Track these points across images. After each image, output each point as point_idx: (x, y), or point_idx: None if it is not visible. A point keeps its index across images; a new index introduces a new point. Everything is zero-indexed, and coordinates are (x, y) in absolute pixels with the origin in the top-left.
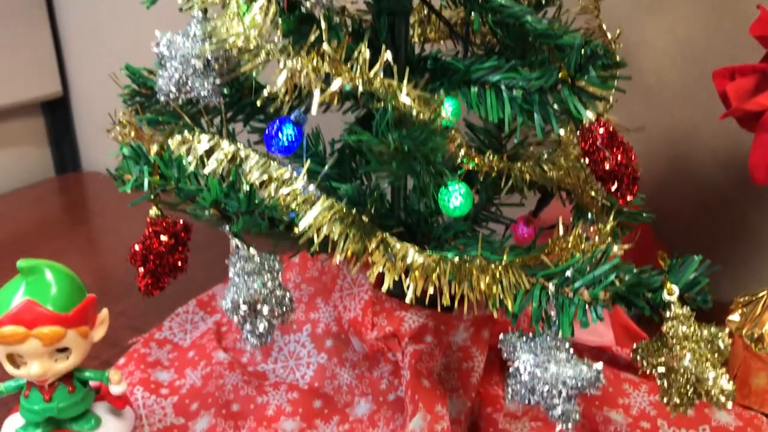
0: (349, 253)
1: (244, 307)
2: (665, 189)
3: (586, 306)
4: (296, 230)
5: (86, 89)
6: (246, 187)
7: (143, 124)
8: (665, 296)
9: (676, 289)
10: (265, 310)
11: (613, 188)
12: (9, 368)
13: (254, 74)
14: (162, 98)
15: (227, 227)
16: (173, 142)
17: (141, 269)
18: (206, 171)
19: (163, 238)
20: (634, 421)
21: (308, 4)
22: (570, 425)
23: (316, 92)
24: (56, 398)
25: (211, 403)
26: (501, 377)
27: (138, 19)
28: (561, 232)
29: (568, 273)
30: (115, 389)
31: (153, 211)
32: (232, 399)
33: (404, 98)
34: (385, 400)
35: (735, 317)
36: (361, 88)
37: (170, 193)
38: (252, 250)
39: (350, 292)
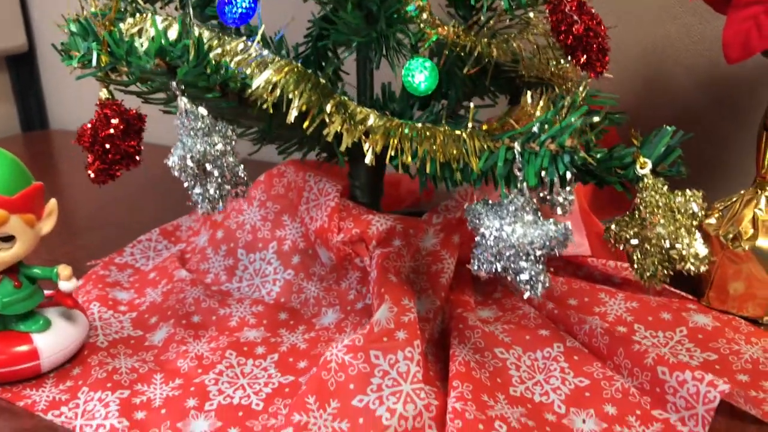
0: (303, 107)
1: (191, 164)
2: (641, 105)
3: (553, 158)
4: (249, 91)
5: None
6: (194, 40)
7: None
8: (638, 170)
9: (648, 162)
10: (216, 172)
11: (583, 59)
12: None
13: None
14: None
15: (173, 83)
16: (125, 25)
17: (90, 155)
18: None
19: (114, 121)
20: (610, 325)
21: None
22: (538, 290)
23: None
24: (1, 292)
25: (171, 315)
26: (472, 289)
27: None
28: (528, 103)
29: (535, 128)
30: (65, 285)
31: (103, 94)
32: (192, 311)
33: None
34: (353, 309)
35: (711, 221)
36: None
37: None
38: (201, 110)
39: (317, 203)
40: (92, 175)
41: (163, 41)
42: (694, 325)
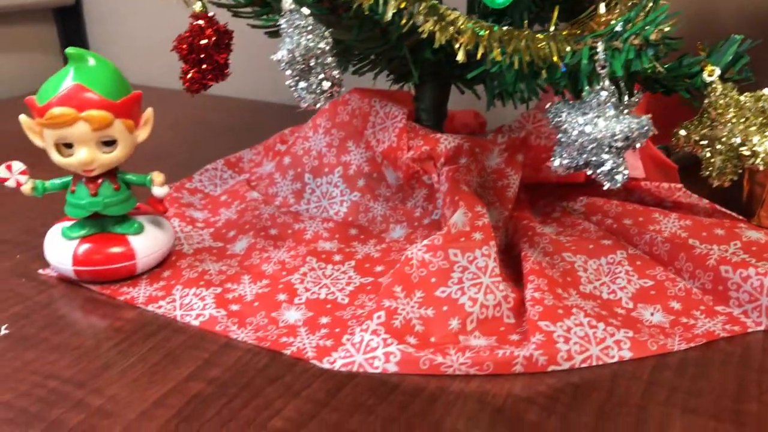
0: (402, 5)
1: (298, 57)
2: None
3: (638, 51)
4: None
5: None
6: None
7: None
8: (705, 77)
9: (717, 69)
10: (319, 68)
11: None
12: (56, 156)
13: None
14: None
15: None
16: None
17: (186, 65)
18: None
19: (208, 32)
20: (666, 239)
21: None
22: (618, 181)
23: None
24: (102, 193)
25: (249, 228)
26: (530, 210)
27: None
28: (602, 10)
29: (618, 27)
30: (158, 190)
31: (197, 6)
32: (269, 225)
33: None
34: (420, 224)
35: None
36: None
37: None
38: (305, 9)
39: (383, 126)
40: (186, 84)
41: None
42: (747, 239)
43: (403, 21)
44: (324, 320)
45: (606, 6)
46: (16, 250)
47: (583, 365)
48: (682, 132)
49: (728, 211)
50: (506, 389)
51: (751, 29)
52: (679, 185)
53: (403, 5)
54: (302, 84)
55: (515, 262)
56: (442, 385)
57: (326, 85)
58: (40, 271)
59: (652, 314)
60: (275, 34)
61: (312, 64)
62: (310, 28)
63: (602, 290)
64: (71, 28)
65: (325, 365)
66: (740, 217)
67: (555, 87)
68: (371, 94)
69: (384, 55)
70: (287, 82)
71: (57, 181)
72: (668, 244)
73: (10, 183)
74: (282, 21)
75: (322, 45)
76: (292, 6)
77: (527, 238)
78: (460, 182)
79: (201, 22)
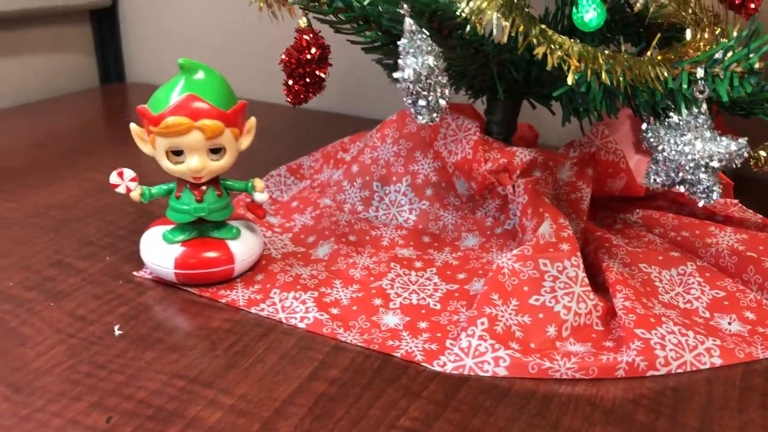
0: (520, 28)
1: (423, 78)
2: None
3: (741, 78)
4: (460, 18)
5: (135, 0)
6: None
7: None
8: None
9: None
10: (438, 88)
11: (738, 1)
12: (166, 163)
13: None
14: None
15: (405, 6)
16: None
17: (290, 81)
18: None
19: (313, 49)
20: (732, 251)
21: None
22: (713, 198)
23: None
24: (206, 200)
25: (329, 234)
26: (594, 222)
27: None
28: (689, 37)
29: (718, 55)
30: (260, 196)
31: (302, 21)
32: (347, 232)
33: None
34: (492, 233)
35: None
36: None
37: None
38: (425, 30)
39: (455, 138)
40: (291, 97)
41: None
42: None
43: (520, 44)
44: (423, 325)
45: (692, 34)
46: (104, 252)
47: (679, 371)
48: (763, 153)
49: None
50: (612, 392)
51: None
52: (735, 200)
53: (521, 29)
54: (422, 102)
55: (591, 272)
56: (551, 388)
57: (442, 102)
58: (135, 273)
59: (729, 323)
60: (371, 49)
61: (432, 82)
62: (430, 48)
63: (678, 300)
64: (106, 29)
65: (436, 368)
66: None
67: (650, 108)
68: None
69: (473, 71)
70: (405, 100)
71: (163, 187)
72: (736, 257)
73: (121, 189)
74: (403, 41)
75: (441, 64)
76: (414, 27)
77: (605, 249)
78: (540, 194)
79: (307, 37)
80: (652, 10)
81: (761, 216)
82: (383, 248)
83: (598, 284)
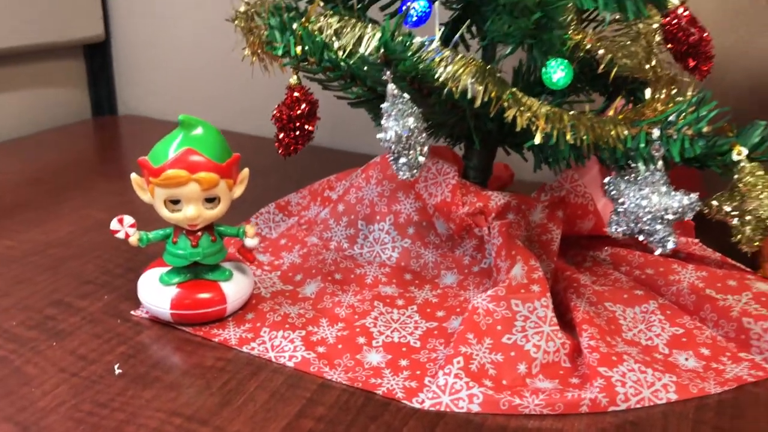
0: (492, 94)
1: (403, 139)
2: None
3: (691, 141)
4: (437, 82)
5: (127, 35)
6: (405, 39)
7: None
8: (734, 157)
9: (744, 149)
10: (418, 146)
11: (693, 64)
12: (165, 212)
13: None
14: None
15: (388, 72)
16: (321, 23)
17: (281, 134)
18: (338, 45)
19: (303, 105)
20: (690, 290)
21: None
22: (668, 247)
23: None
24: (201, 245)
25: (315, 273)
26: (564, 260)
27: None
28: (648, 96)
29: (672, 117)
30: (250, 242)
31: (293, 79)
32: (334, 270)
33: None
34: (470, 272)
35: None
36: None
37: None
38: (405, 95)
39: (435, 181)
40: (281, 150)
41: (386, 36)
42: (757, 290)
43: (492, 108)
44: (403, 363)
45: (651, 94)
46: (102, 291)
47: (638, 406)
48: (714, 203)
49: (738, 264)
50: (576, 427)
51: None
52: (696, 240)
53: (493, 95)
54: (402, 159)
55: (560, 310)
56: (521, 423)
57: (421, 159)
58: (132, 312)
59: (686, 359)
60: (357, 104)
61: (413, 141)
62: (410, 111)
63: (641, 337)
64: (99, 64)
65: (415, 405)
66: (748, 269)
67: (611, 163)
68: None
69: (451, 123)
70: (389, 158)
71: (159, 232)
72: (694, 295)
73: (120, 235)
74: (386, 105)
75: (420, 125)
76: (396, 92)
77: (573, 288)
78: (513, 237)
79: (297, 94)
80: (615, 69)
81: (720, 254)
82: (367, 286)
83: (567, 322)
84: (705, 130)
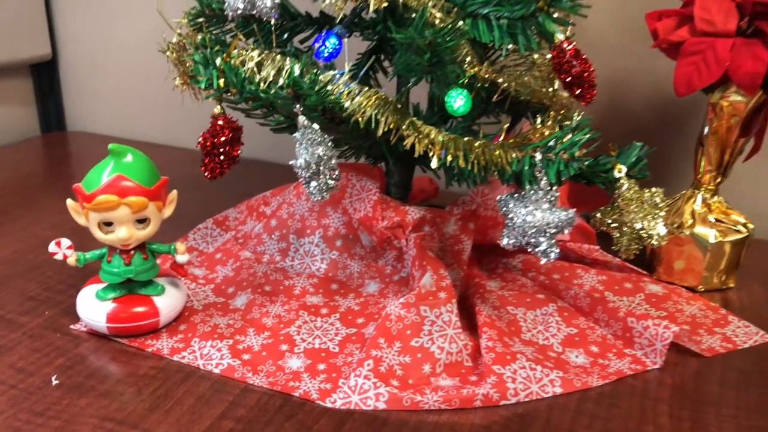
0: (391, 125)
1: (313, 166)
2: (604, 121)
3: (566, 164)
4: (345, 113)
5: (74, 52)
6: (312, 78)
7: (193, 42)
8: (615, 174)
9: (623, 167)
10: (327, 171)
11: (577, 92)
12: (99, 234)
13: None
14: (229, 14)
15: (297, 105)
16: (241, 56)
17: (206, 159)
18: (258, 78)
19: (226, 131)
20: (587, 292)
21: None
22: (551, 257)
23: (371, 2)
24: (134, 263)
25: (246, 285)
26: (479, 267)
27: None
28: (538, 124)
29: (551, 143)
30: (181, 258)
31: (217, 109)
32: (264, 282)
33: (433, 10)
34: (391, 280)
35: (661, 213)
36: (401, 0)
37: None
38: (315, 125)
39: (359, 197)
40: (207, 174)
41: (294, 76)
42: (649, 292)
43: (392, 137)
44: (321, 366)
45: (540, 120)
46: (44, 307)
47: (526, 399)
48: (598, 215)
49: (635, 268)
50: (470, 420)
51: (653, 113)
52: (597, 246)
53: (393, 125)
54: (313, 183)
55: (469, 314)
56: (421, 418)
57: (331, 183)
58: (72, 326)
59: (576, 356)
60: (278, 131)
61: (322, 167)
62: (320, 140)
63: (539, 337)
64: (47, 82)
65: (328, 404)
66: (644, 272)
67: (504, 182)
68: (348, 169)
69: (366, 147)
70: (301, 182)
71: (96, 253)
72: (588, 298)
73: (59, 256)
74: (297, 134)
75: (329, 153)
76: (306, 123)
77: (479, 294)
78: (425, 248)
79: (221, 122)
80: (514, 93)
81: (620, 259)
82: (295, 296)
83: (474, 325)
84: (577, 155)
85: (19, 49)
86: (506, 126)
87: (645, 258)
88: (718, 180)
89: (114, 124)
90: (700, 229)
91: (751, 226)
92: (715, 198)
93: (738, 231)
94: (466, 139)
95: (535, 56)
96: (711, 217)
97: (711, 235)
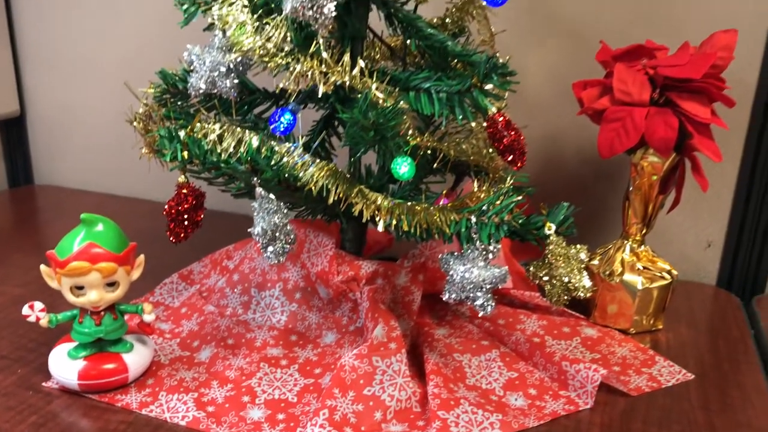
0: (340, 194)
1: (269, 233)
2: (542, 176)
3: (497, 227)
4: (299, 183)
5: (42, 108)
6: (269, 152)
7: (158, 117)
8: (546, 231)
9: (552, 225)
10: (282, 237)
11: (509, 159)
12: (71, 297)
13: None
14: (192, 93)
15: (255, 179)
16: (203, 130)
17: (172, 224)
18: (220, 149)
19: (190, 199)
20: (528, 337)
21: (315, 27)
22: (488, 311)
23: (321, 86)
24: (104, 323)
25: (210, 339)
26: (430, 315)
27: (93, 45)
28: (476, 188)
29: (484, 207)
30: (148, 317)
31: (181, 178)
32: (227, 336)
33: (375, 91)
34: (347, 331)
35: (595, 262)
36: (348, 83)
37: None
38: (272, 195)
39: (316, 252)
40: (173, 238)
41: (252, 153)
42: (585, 335)
43: (342, 204)
44: (280, 416)
45: (477, 184)
46: (16, 365)
47: None
48: (532, 269)
49: (573, 312)
50: None
51: (589, 168)
52: (537, 293)
53: (342, 195)
54: (270, 248)
55: (418, 361)
56: None
57: (287, 247)
58: (44, 384)
59: (516, 399)
60: (239, 196)
61: (278, 234)
62: (275, 209)
63: (482, 382)
64: (15, 137)
65: None
66: (582, 317)
67: (444, 241)
68: (305, 225)
69: (322, 208)
70: (259, 246)
71: (67, 314)
72: (528, 343)
73: (32, 318)
74: (254, 204)
75: (284, 221)
76: (263, 194)
77: (428, 343)
78: (378, 301)
79: (185, 191)
80: (454, 158)
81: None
82: (256, 349)
83: (423, 372)
84: (506, 219)
85: None
86: (445, 192)
87: (582, 302)
88: (644, 231)
89: (80, 177)
90: (629, 277)
91: (675, 272)
92: (642, 247)
93: (663, 277)
94: (409, 204)
95: (473, 124)
96: (639, 265)
97: (639, 281)
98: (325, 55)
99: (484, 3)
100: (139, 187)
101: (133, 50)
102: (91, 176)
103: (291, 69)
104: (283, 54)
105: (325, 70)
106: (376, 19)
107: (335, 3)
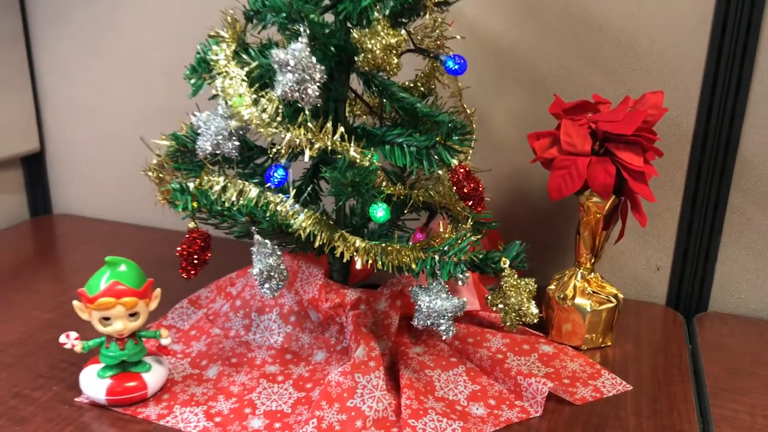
0: (324, 239)
1: (265, 273)
2: (511, 209)
3: (455, 265)
4: (290, 230)
5: (60, 145)
6: (265, 206)
7: (170, 170)
8: (501, 265)
9: (507, 260)
10: (277, 276)
11: (470, 204)
12: (99, 327)
13: (252, 139)
14: (200, 153)
15: (254, 227)
16: (202, 182)
17: (184, 263)
18: (224, 198)
19: (199, 242)
20: (492, 354)
21: (302, 104)
22: (450, 334)
23: (307, 151)
24: (127, 348)
25: (216, 358)
26: (408, 334)
27: (106, 89)
28: (441, 229)
29: (446, 248)
30: (165, 341)
31: (191, 224)
32: (231, 355)
33: (353, 153)
34: (335, 350)
35: (552, 287)
36: (330, 147)
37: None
38: (267, 241)
39: (308, 281)
40: (184, 275)
41: (251, 207)
42: (542, 352)
43: (326, 247)
44: (277, 425)
45: (443, 225)
46: (51, 383)
47: None
48: (489, 298)
49: (533, 331)
50: None
51: (551, 204)
52: None
53: (326, 240)
54: (267, 285)
55: (395, 377)
56: None
57: (281, 285)
58: (75, 399)
59: (477, 409)
60: (240, 238)
61: (273, 273)
62: (271, 252)
63: (449, 394)
64: (35, 172)
65: None
66: (541, 335)
67: (413, 276)
68: (299, 258)
69: (311, 247)
70: (256, 283)
71: (96, 340)
72: (490, 360)
73: (68, 346)
74: (253, 248)
75: (279, 262)
76: (260, 239)
77: (403, 361)
78: (360, 325)
79: (195, 235)
80: (423, 199)
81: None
82: (256, 366)
83: (398, 386)
84: (463, 258)
85: (11, 145)
86: (419, 228)
87: (542, 322)
88: (593, 260)
89: (96, 207)
90: (579, 300)
91: (621, 296)
92: (592, 275)
93: (610, 300)
94: (383, 245)
95: (440, 172)
96: (589, 290)
97: (588, 305)
98: (310, 125)
99: (447, 73)
100: (149, 215)
101: (142, 96)
102: (106, 206)
103: (282, 136)
104: (276, 124)
105: (311, 137)
106: (357, 81)
107: (318, 84)
